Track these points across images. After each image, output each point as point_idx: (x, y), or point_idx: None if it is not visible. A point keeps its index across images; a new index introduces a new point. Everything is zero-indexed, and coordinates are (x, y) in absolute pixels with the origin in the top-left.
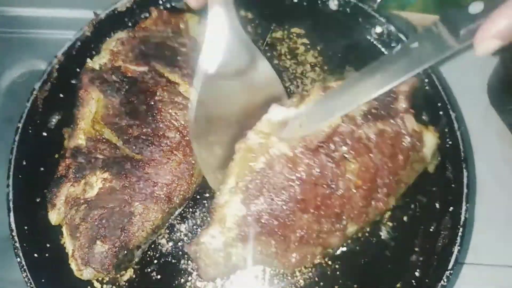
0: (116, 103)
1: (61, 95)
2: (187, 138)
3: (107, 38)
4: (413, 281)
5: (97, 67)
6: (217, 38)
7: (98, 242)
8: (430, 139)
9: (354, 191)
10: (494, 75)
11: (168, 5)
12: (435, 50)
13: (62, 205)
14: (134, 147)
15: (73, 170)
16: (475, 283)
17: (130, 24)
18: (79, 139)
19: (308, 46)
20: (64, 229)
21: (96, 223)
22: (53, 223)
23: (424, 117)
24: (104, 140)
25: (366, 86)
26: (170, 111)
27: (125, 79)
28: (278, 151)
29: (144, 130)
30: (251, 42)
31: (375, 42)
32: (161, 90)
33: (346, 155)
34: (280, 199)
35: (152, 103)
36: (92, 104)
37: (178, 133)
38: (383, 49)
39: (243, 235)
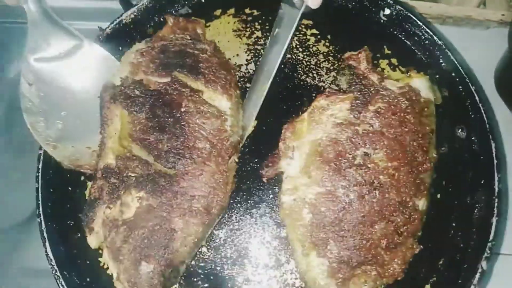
0: (142, 118)
1: None
2: (218, 146)
3: (124, 50)
4: (457, 255)
5: (118, 81)
6: (35, 29)
7: (143, 262)
8: (420, 82)
9: (397, 173)
10: (501, 65)
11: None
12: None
13: (100, 228)
14: (166, 162)
15: (107, 191)
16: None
17: (138, 37)
18: (109, 159)
19: (318, 36)
20: (105, 253)
21: (138, 243)
22: (93, 247)
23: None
24: (134, 158)
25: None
26: (197, 121)
27: (149, 93)
28: (312, 194)
29: (174, 144)
30: (71, 30)
31: (386, 24)
32: (186, 100)
33: (366, 153)
34: (345, 231)
35: (179, 115)
36: (117, 121)
37: (208, 142)
38: (394, 30)
39: (341, 281)
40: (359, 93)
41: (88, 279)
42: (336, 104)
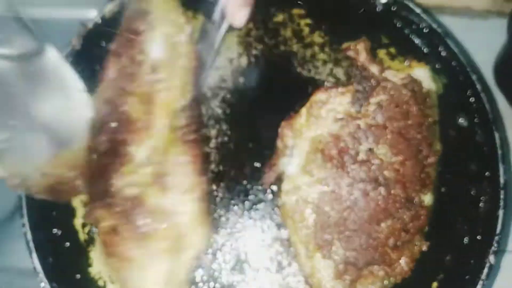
0: None
1: None
2: None
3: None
4: (463, 251)
5: None
6: None
7: None
8: (421, 72)
9: (402, 168)
10: (501, 56)
11: None
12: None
13: None
14: None
15: None
16: None
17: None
18: None
19: (313, 27)
20: None
21: None
22: None
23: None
24: None
25: None
26: None
27: None
28: (315, 193)
29: None
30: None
31: (382, 12)
32: None
33: (370, 148)
34: (351, 230)
35: None
36: None
37: None
38: (391, 19)
39: (349, 282)
40: (359, 86)
41: None
42: (335, 98)
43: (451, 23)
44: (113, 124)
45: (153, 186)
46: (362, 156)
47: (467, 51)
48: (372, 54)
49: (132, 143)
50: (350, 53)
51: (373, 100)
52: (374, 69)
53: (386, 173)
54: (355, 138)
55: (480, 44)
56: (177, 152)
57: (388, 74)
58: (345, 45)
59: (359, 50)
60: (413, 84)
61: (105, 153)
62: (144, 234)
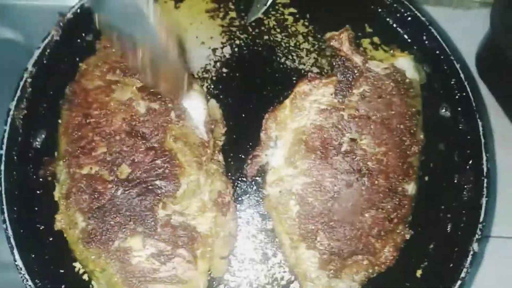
0: None
1: (42, 111)
2: None
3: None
4: (447, 239)
5: None
6: None
7: None
8: (405, 62)
9: (386, 158)
10: (483, 47)
11: None
12: None
13: None
14: None
15: None
16: (503, 257)
17: None
18: None
19: (297, 16)
20: None
21: None
22: None
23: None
24: None
25: None
26: None
27: None
28: (298, 185)
29: None
30: None
31: (367, 2)
32: None
33: (353, 139)
34: (335, 221)
35: None
36: None
37: None
38: (375, 8)
39: (333, 272)
40: (342, 76)
41: (63, 286)
42: (319, 89)
43: (434, 13)
44: None
45: None
46: (345, 147)
47: (452, 42)
48: (356, 44)
49: None
50: (333, 43)
51: (356, 90)
52: (357, 59)
53: (369, 163)
54: (339, 129)
55: (463, 34)
56: None
57: (371, 64)
58: (328, 35)
59: (342, 39)
60: (397, 74)
61: None
62: None
